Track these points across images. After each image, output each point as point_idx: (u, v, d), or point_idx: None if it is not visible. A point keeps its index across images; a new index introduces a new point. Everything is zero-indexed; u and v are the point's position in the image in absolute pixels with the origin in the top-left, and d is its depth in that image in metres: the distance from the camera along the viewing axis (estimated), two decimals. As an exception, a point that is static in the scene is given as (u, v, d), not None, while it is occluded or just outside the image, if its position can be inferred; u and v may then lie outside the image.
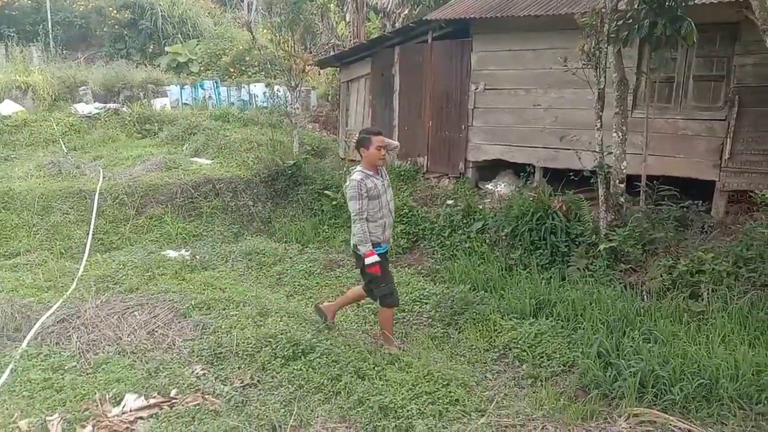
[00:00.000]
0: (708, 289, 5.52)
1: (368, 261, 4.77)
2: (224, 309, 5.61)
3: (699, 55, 7.61)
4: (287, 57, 11.89)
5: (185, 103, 16.46)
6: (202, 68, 18.87)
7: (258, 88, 16.98)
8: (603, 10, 6.62)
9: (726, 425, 3.83)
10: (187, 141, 12.88)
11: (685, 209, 6.94)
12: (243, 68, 18.34)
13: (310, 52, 12.94)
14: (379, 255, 4.83)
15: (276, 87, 16.31)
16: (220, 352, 4.75)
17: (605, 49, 6.79)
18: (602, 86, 6.89)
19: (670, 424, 3.76)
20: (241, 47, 18.88)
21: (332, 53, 14.63)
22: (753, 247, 5.73)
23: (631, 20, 6.43)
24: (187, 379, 4.33)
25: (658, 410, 3.97)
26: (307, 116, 16.46)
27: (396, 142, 5.37)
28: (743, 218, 7.03)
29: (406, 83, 10.88)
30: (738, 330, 4.92)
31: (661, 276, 5.87)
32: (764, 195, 6.46)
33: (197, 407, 3.95)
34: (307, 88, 16.78)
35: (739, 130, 7.27)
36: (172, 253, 7.79)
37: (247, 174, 10.50)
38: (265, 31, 17.07)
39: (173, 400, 4.06)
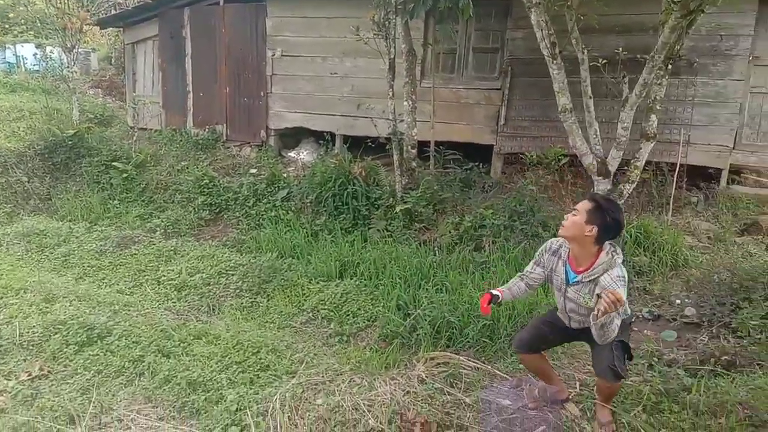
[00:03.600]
0: (489, 242, 6.19)
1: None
2: (2, 298, 5.06)
3: (477, 29, 8.33)
4: (60, 15, 10.63)
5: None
6: (-50, 24, 16.14)
7: (27, 49, 15.01)
8: (390, -19, 6.90)
9: (505, 359, 4.35)
10: (-63, 109, 11.00)
11: (468, 171, 7.68)
12: (7, 26, 16.02)
13: (88, 11, 11.70)
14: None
15: (49, 48, 14.56)
16: (1, 345, 4.28)
17: (394, 20, 7.11)
18: (393, 56, 7.24)
19: (461, 363, 4.19)
20: (3, 2, 16.43)
21: (114, 12, 13.38)
22: (524, 203, 6.52)
23: (417, -7, 6.80)
24: (-41, 380, 3.83)
25: (451, 352, 4.40)
26: (88, 81, 14.96)
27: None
28: (516, 178, 7.94)
29: (199, 47, 10.37)
30: (513, 275, 5.57)
31: (450, 232, 6.44)
32: (532, 156, 7.34)
33: (-26, 409, 3.52)
34: (86, 49, 15.21)
35: (512, 98, 8.13)
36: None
37: (18, 146, 9.34)
38: (30, -17, 15.06)
39: (-59, 406, 3.57)
